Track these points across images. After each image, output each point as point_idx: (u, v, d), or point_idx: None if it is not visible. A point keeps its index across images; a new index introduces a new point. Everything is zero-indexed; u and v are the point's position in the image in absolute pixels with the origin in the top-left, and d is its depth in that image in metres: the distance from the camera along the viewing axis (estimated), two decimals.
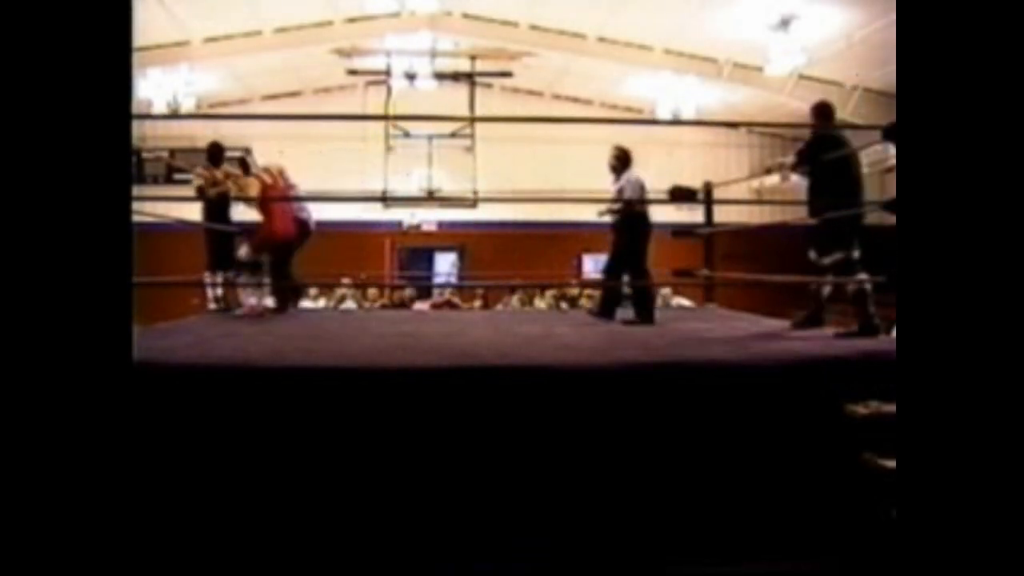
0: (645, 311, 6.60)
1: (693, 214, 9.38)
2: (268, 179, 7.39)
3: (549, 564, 3.52)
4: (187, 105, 14.28)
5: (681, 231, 8.69)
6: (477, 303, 12.82)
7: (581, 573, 3.57)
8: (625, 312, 6.87)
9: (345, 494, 3.53)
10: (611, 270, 6.95)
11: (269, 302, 7.63)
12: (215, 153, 7.83)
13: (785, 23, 10.98)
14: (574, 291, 13.01)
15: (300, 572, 3.48)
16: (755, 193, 15.96)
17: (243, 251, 7.26)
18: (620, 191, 6.90)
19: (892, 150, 7.39)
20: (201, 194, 7.64)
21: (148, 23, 12.38)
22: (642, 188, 6.94)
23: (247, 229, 7.34)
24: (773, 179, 15.15)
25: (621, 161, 6.99)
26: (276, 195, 7.33)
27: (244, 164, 7.84)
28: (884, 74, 12.22)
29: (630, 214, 6.81)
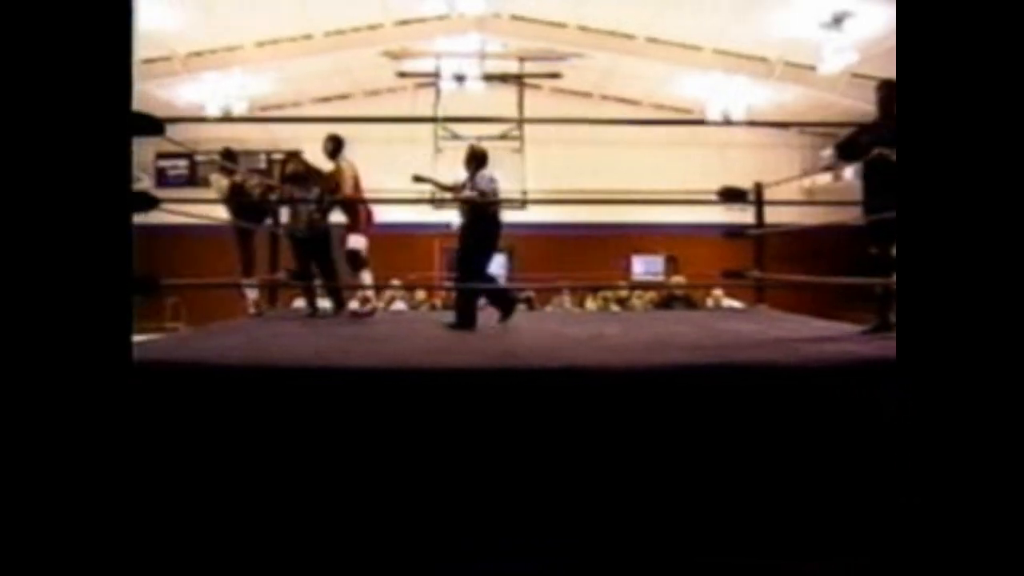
0: (467, 315, 6.34)
1: (744, 215, 9.30)
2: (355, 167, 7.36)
3: (591, 559, 3.51)
4: (239, 108, 14.47)
5: (731, 232, 8.62)
6: (524, 305, 12.81)
7: (621, 564, 3.56)
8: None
9: (392, 493, 3.54)
10: (464, 274, 6.46)
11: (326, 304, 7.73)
12: (230, 156, 8.07)
13: (838, 20, 10.85)
14: (623, 292, 12.94)
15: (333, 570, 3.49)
16: (806, 193, 15.78)
17: (351, 240, 7.21)
18: (472, 190, 6.50)
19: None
20: (236, 195, 7.69)
21: (200, 28, 12.57)
22: (494, 189, 6.57)
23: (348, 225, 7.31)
24: (825, 178, 14.98)
25: (475, 160, 6.57)
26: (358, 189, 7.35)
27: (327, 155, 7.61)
28: None
29: (479, 214, 6.45)
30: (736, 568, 3.51)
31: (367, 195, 7.54)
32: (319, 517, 3.51)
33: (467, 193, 6.50)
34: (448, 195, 7.13)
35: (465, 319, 6.31)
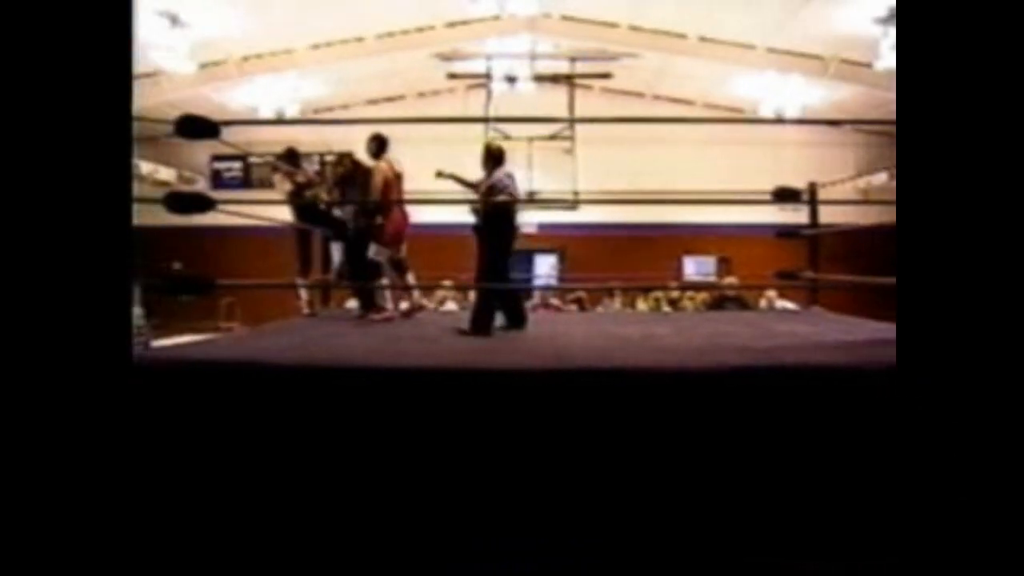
0: (483, 321, 5.97)
1: (797, 215, 9.20)
2: (396, 168, 7.19)
3: (648, 554, 3.50)
4: (292, 111, 14.62)
5: (785, 232, 8.52)
6: (575, 306, 12.77)
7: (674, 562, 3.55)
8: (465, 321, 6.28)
9: (444, 491, 3.55)
10: (483, 277, 6.23)
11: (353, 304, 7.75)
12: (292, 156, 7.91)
13: (894, 16, 10.69)
14: (675, 293, 12.87)
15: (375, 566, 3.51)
16: (862, 193, 15.57)
17: (372, 250, 7.09)
18: (490, 189, 6.30)
19: None
20: (301, 191, 7.74)
21: (254, 32, 12.72)
22: (510, 188, 6.36)
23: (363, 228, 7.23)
24: (881, 178, 14.77)
25: (492, 159, 6.41)
26: (395, 189, 7.17)
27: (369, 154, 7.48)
28: None
29: (495, 214, 6.22)
30: (769, 568, 3.48)
31: (412, 196, 7.49)
32: (359, 514, 3.53)
33: (491, 191, 6.27)
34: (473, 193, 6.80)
35: (481, 324, 5.93)
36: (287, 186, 7.72)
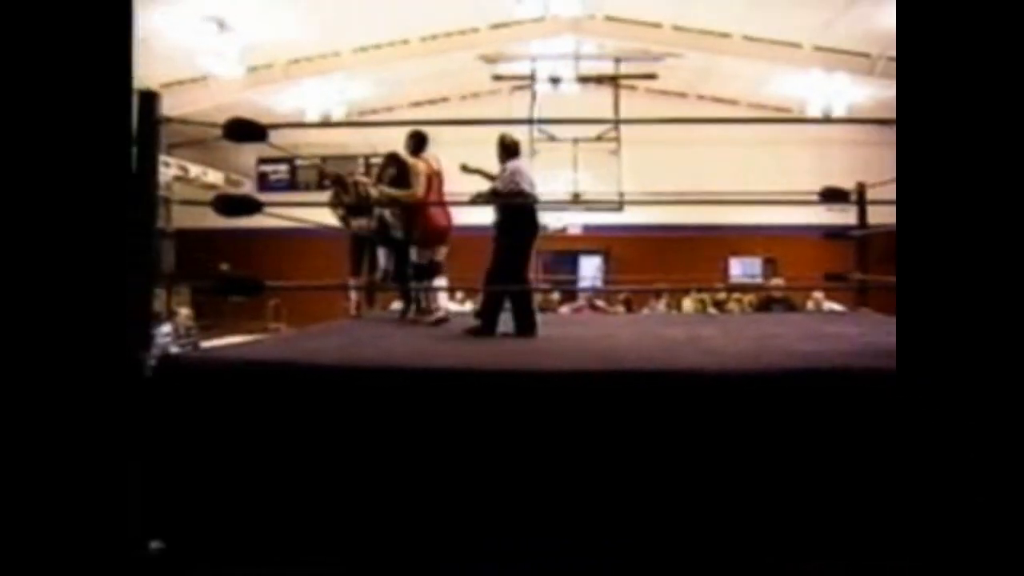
0: (526, 322, 5.75)
1: (845, 216, 9.08)
2: (434, 165, 7.00)
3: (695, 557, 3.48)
4: (338, 113, 14.72)
5: (832, 233, 8.42)
6: (621, 307, 12.73)
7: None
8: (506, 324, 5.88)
9: (494, 492, 3.55)
10: (493, 277, 5.86)
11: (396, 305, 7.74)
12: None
13: None
14: (721, 295, 12.78)
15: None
16: None
17: (414, 254, 6.98)
18: (506, 183, 6.00)
19: None
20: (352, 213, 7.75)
21: (300, 36, 12.82)
22: (516, 183, 5.96)
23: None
24: None
25: (505, 151, 6.14)
26: (434, 187, 6.99)
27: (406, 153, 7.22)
28: None
29: (509, 211, 5.92)
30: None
31: (450, 196, 7.39)
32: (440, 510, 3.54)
33: (503, 185, 5.99)
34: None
35: (487, 325, 5.73)
36: (340, 212, 7.77)
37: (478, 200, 6.22)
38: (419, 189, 6.80)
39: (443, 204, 7.02)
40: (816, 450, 3.55)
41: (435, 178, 6.97)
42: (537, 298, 6.35)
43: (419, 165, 6.89)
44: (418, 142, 7.03)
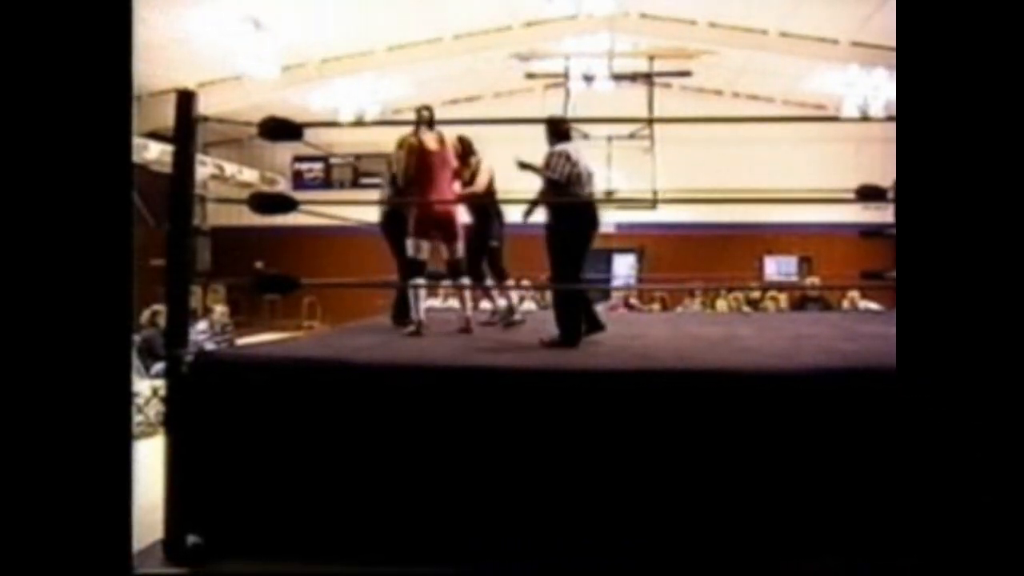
0: (571, 331, 4.97)
1: (882, 214, 8.98)
2: (429, 144, 6.17)
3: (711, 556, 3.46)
4: (372, 112, 14.76)
5: (868, 232, 8.34)
6: (656, 306, 12.68)
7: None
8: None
9: (530, 491, 3.55)
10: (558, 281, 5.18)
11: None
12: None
13: None
14: (756, 293, 12.70)
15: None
16: None
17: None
18: (552, 170, 5.24)
19: None
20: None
21: (333, 34, 12.88)
22: (568, 171, 5.24)
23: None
24: None
25: (555, 133, 5.45)
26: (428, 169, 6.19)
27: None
28: None
29: (559, 204, 5.21)
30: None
31: (503, 195, 7.12)
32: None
33: (554, 172, 5.23)
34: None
35: (569, 335, 4.94)
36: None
37: (536, 202, 5.68)
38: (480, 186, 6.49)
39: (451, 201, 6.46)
40: (845, 449, 3.52)
41: (429, 156, 6.08)
42: None
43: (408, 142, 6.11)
44: (419, 117, 6.19)
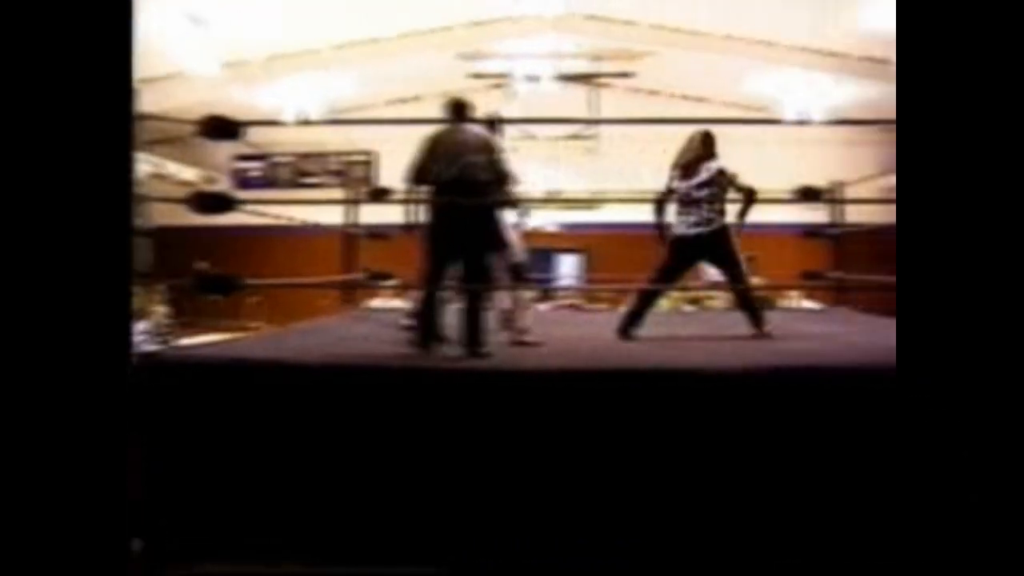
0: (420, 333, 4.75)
1: (825, 215, 9.11)
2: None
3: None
4: (316, 111, 14.65)
5: (810, 232, 8.47)
6: (602, 305, 12.74)
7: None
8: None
9: (474, 491, 3.55)
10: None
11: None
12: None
13: None
14: (697, 293, 12.83)
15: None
16: (888, 192, 15.43)
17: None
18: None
19: None
20: None
21: (279, 32, 12.76)
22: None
23: None
24: None
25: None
26: None
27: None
28: None
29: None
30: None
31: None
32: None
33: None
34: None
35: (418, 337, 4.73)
36: None
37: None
38: None
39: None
40: (796, 447, 3.57)
41: None
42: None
43: None
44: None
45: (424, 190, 4.87)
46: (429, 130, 4.99)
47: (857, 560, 3.47)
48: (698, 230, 5.97)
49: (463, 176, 4.65)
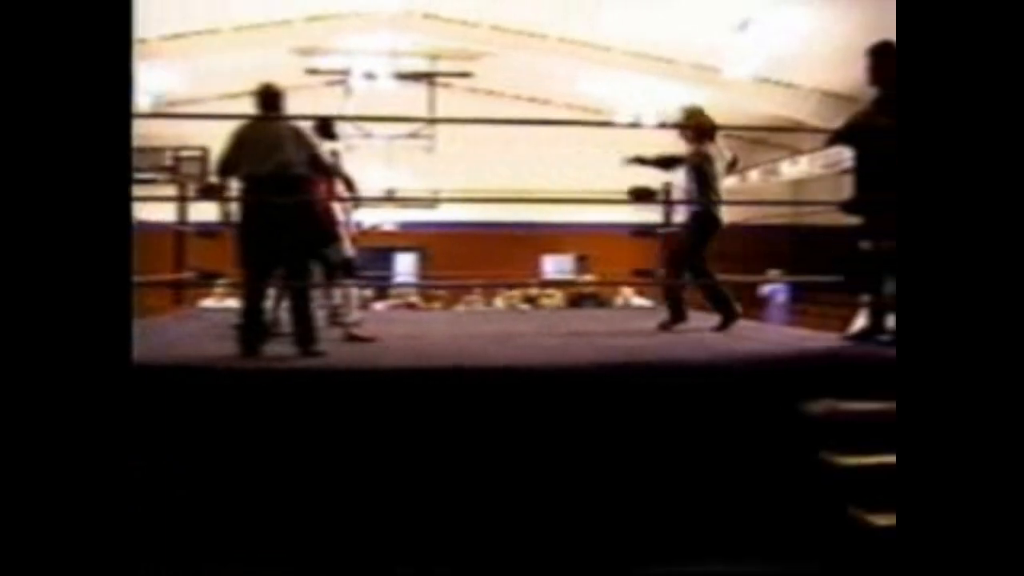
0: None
1: (655, 214, 9.38)
2: None
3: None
4: (144, 104, 14.10)
5: (639, 231, 8.70)
6: (437, 304, 12.79)
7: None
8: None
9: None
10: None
11: None
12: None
13: (744, 26, 11.04)
14: (533, 291, 13.07)
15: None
16: (727, 193, 16.00)
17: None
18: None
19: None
20: None
21: None
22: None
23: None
24: (731, 180, 15.25)
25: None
26: None
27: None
28: (844, 77, 12.21)
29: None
30: None
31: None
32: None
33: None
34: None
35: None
36: None
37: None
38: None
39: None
40: (622, 441, 3.67)
41: None
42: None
43: None
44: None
45: (235, 185, 4.65)
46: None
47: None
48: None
49: (278, 171, 4.47)
